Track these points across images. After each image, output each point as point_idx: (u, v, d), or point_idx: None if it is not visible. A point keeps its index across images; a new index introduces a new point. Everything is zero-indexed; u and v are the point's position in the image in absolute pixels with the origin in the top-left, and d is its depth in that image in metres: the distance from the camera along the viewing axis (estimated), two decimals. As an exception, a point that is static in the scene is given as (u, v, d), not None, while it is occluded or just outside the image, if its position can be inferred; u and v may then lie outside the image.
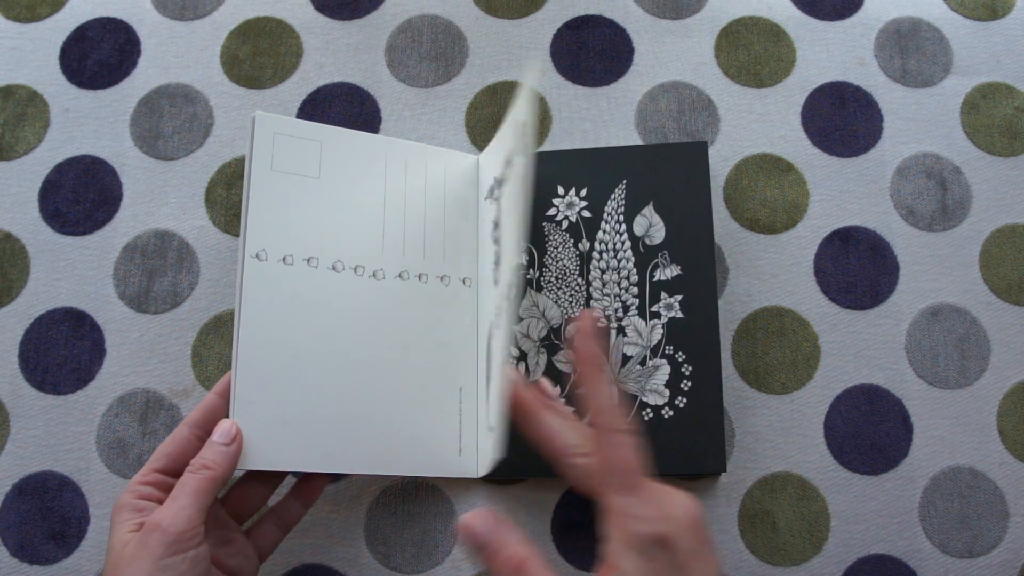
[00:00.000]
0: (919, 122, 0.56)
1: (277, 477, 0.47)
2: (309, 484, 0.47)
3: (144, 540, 0.38)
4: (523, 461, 0.49)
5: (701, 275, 0.50)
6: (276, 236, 0.46)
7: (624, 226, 0.52)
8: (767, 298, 0.53)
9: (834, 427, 0.51)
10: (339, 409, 0.46)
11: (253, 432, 0.44)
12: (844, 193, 0.54)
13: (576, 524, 0.50)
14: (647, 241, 0.51)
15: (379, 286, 0.49)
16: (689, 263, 0.51)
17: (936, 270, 0.53)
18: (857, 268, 0.53)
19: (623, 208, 0.52)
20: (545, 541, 0.49)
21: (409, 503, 0.50)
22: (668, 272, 0.51)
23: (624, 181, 0.52)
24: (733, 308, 0.53)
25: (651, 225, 0.51)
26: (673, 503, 0.35)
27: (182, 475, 0.41)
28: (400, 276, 0.49)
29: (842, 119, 0.56)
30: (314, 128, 0.49)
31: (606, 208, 0.52)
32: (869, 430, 0.51)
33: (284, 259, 0.46)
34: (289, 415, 0.45)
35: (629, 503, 0.35)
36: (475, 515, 0.35)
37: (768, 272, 0.53)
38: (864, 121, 0.56)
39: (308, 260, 0.47)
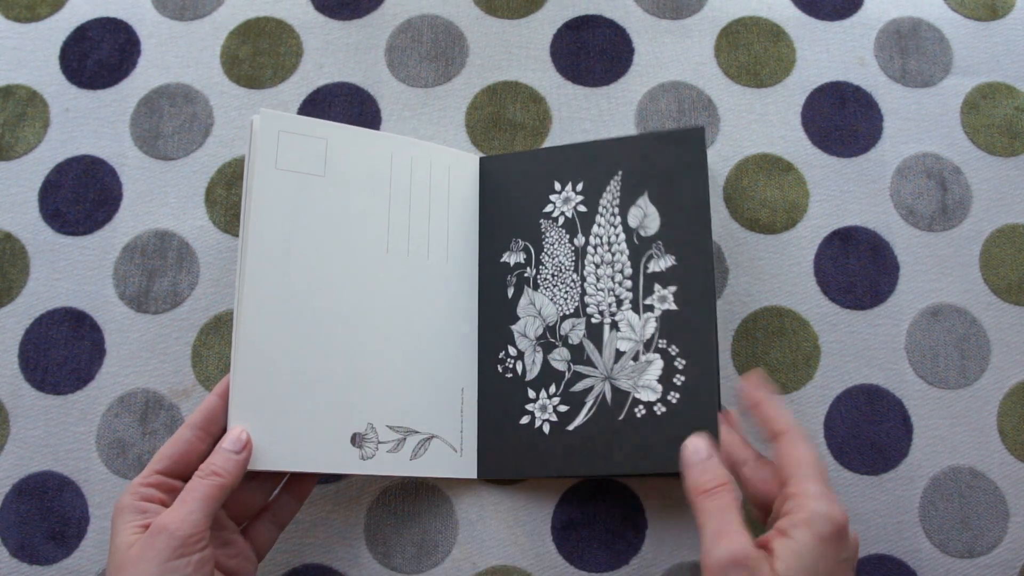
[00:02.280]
0: (919, 122, 0.56)
1: (276, 477, 0.47)
2: (301, 480, 0.47)
3: (150, 542, 0.38)
4: (523, 461, 0.49)
5: (697, 264, 0.49)
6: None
7: (619, 218, 0.51)
8: (767, 298, 0.53)
9: (834, 427, 0.51)
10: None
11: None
12: (844, 193, 0.54)
13: (576, 524, 0.50)
14: (641, 232, 0.50)
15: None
16: (685, 252, 0.49)
17: (936, 270, 0.53)
18: (857, 268, 0.53)
19: (618, 200, 0.51)
20: (545, 541, 0.50)
21: (409, 503, 0.50)
22: (662, 263, 0.50)
23: (620, 172, 0.52)
24: (733, 308, 0.53)
25: (645, 215, 0.51)
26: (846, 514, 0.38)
27: (190, 479, 0.41)
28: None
29: (842, 119, 0.56)
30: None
31: (601, 201, 0.52)
32: (869, 430, 0.51)
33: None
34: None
35: (819, 493, 0.37)
36: (699, 439, 0.42)
37: (768, 272, 0.53)
38: (864, 121, 0.56)
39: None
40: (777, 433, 0.41)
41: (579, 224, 0.52)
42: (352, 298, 0.48)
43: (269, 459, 0.44)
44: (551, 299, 0.51)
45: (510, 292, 0.51)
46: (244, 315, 0.45)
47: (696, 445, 0.41)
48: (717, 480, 0.39)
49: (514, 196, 0.53)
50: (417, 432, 0.48)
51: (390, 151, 0.50)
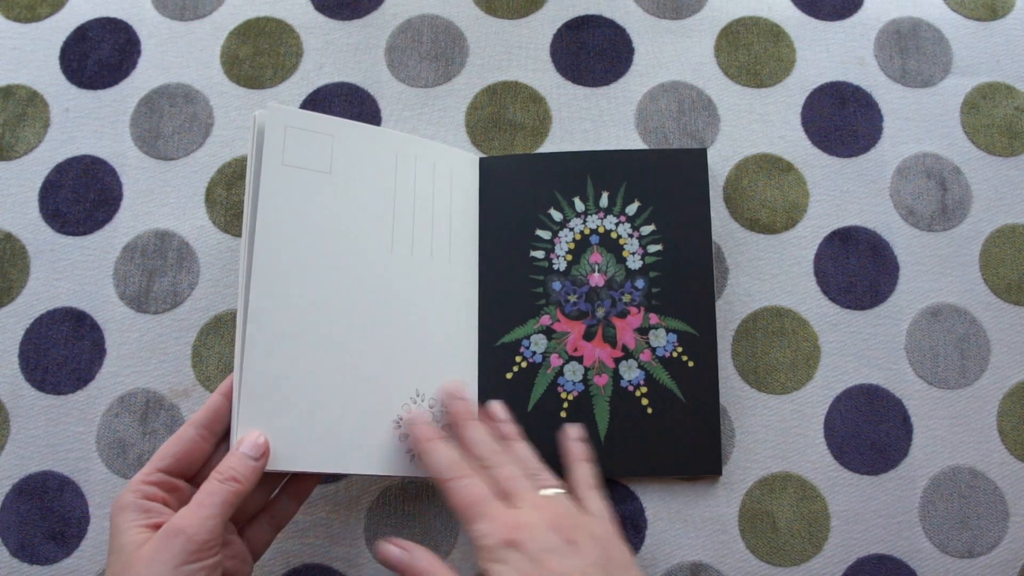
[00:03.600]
0: (919, 122, 0.56)
1: (276, 478, 0.47)
2: (301, 481, 0.47)
3: (165, 544, 0.38)
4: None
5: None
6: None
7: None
8: (767, 298, 0.53)
9: (834, 427, 0.51)
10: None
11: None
12: (844, 193, 0.55)
13: (576, 524, 0.50)
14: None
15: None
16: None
17: (936, 270, 0.53)
18: (857, 268, 0.53)
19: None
20: (545, 541, 0.49)
21: (409, 503, 0.50)
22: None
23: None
24: (733, 308, 0.53)
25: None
26: (524, 513, 0.41)
27: (207, 481, 0.41)
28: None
29: (842, 119, 0.56)
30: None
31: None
32: (869, 430, 0.51)
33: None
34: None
35: (479, 528, 0.41)
36: (388, 545, 0.43)
37: (768, 272, 0.53)
38: (864, 121, 0.56)
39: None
40: (437, 483, 0.44)
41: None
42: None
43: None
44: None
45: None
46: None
47: (391, 552, 0.43)
48: (430, 572, 0.42)
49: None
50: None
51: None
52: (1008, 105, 0.56)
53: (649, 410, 0.49)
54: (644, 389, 0.50)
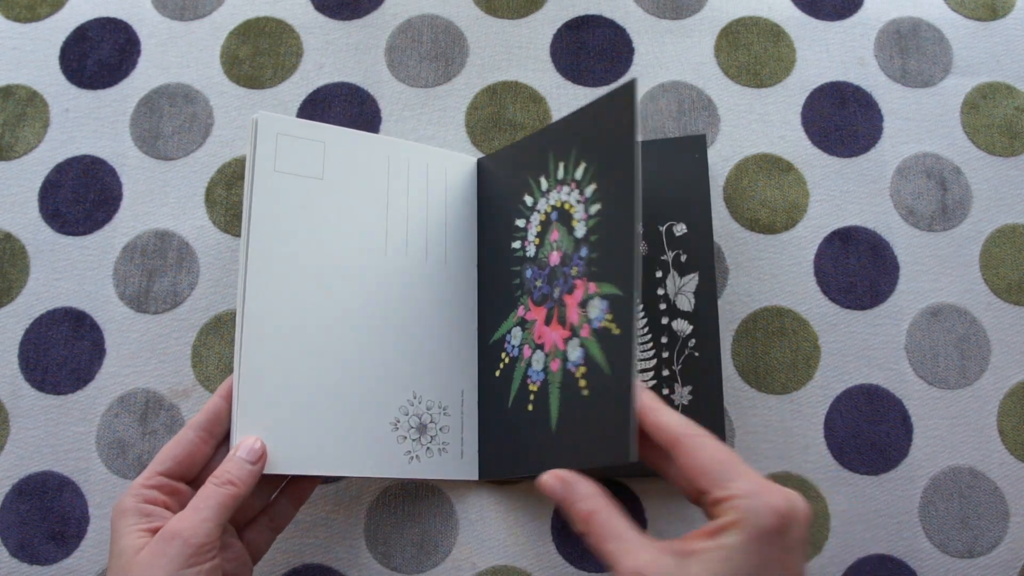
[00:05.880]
0: (919, 122, 0.56)
1: (275, 481, 0.47)
2: (300, 483, 0.47)
3: (163, 548, 0.38)
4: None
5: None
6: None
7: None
8: (767, 298, 0.53)
9: (834, 427, 0.51)
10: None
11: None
12: (844, 193, 0.55)
13: (576, 524, 0.50)
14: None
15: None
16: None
17: (936, 270, 0.53)
18: (857, 268, 0.53)
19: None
20: (545, 541, 0.50)
21: (409, 503, 0.50)
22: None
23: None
24: (733, 308, 0.53)
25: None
26: (791, 494, 0.34)
27: (204, 486, 0.41)
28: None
29: (842, 119, 0.56)
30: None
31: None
32: (869, 430, 0.51)
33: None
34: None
35: (742, 487, 0.34)
36: (549, 476, 0.38)
37: (768, 272, 0.53)
38: (864, 121, 0.56)
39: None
40: (673, 441, 0.37)
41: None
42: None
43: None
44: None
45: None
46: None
47: (550, 486, 0.38)
48: (588, 506, 0.37)
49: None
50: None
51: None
52: (1008, 105, 0.56)
53: (585, 392, 0.43)
54: (583, 369, 0.44)
